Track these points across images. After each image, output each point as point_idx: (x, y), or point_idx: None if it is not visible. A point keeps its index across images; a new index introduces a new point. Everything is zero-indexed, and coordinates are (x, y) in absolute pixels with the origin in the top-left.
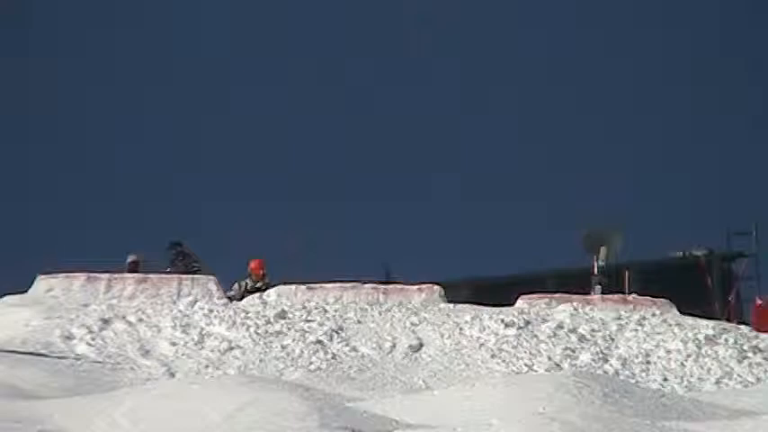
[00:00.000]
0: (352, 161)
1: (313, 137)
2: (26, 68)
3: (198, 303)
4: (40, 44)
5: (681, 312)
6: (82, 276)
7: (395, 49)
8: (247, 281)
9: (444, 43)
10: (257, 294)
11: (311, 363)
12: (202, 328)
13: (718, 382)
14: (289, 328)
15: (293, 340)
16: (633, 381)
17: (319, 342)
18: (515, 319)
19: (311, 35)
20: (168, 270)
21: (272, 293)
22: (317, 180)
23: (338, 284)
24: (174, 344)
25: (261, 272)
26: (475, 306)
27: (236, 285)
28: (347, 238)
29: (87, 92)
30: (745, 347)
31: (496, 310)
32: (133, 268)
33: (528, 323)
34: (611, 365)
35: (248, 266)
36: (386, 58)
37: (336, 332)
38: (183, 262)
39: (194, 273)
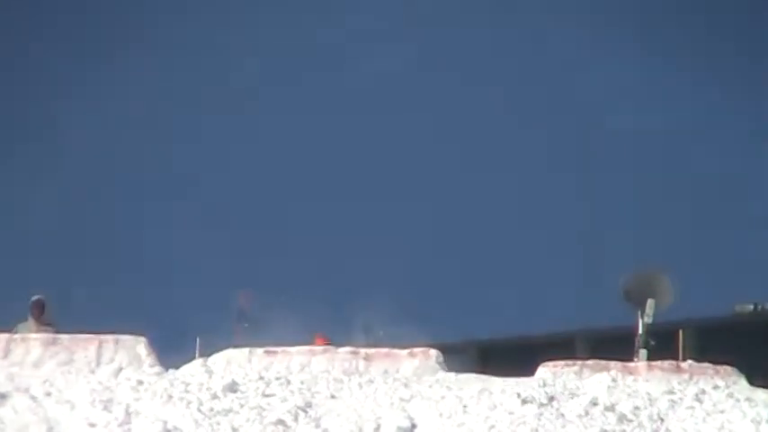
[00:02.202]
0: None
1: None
2: None
3: (123, 372)
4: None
5: (751, 384)
6: None
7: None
8: None
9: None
10: (200, 361)
11: None
12: (129, 405)
13: None
14: (242, 405)
15: (247, 420)
16: None
17: (281, 422)
18: (536, 394)
19: None
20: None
21: (219, 359)
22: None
23: (305, 348)
24: (92, 425)
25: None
26: (483, 376)
27: None
28: (318, 289)
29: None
30: None
31: (511, 381)
32: (39, 310)
33: (552, 399)
34: None
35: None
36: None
37: (303, 410)
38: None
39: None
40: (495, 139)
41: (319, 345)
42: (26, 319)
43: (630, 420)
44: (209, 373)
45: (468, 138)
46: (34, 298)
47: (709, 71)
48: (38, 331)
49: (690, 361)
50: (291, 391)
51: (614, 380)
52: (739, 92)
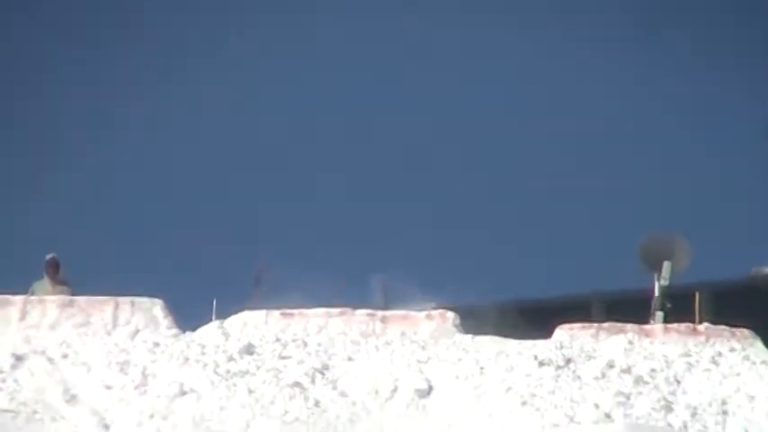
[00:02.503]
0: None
1: None
2: None
3: (140, 334)
4: None
5: (767, 347)
6: None
7: None
8: None
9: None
10: (217, 323)
11: (287, 412)
12: (145, 367)
13: None
14: (258, 367)
15: (264, 382)
16: None
17: (298, 385)
18: (552, 356)
19: None
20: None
21: (236, 321)
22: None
23: (322, 310)
24: (108, 387)
25: None
26: (500, 338)
27: None
28: (334, 251)
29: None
30: None
31: (528, 343)
32: (54, 269)
33: (569, 361)
34: (676, 416)
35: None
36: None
37: (320, 372)
38: None
39: None
40: (511, 108)
41: None
42: (41, 278)
43: (647, 382)
44: (226, 335)
45: (486, 101)
46: (48, 256)
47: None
48: (53, 290)
49: (706, 323)
50: (308, 353)
51: (631, 342)
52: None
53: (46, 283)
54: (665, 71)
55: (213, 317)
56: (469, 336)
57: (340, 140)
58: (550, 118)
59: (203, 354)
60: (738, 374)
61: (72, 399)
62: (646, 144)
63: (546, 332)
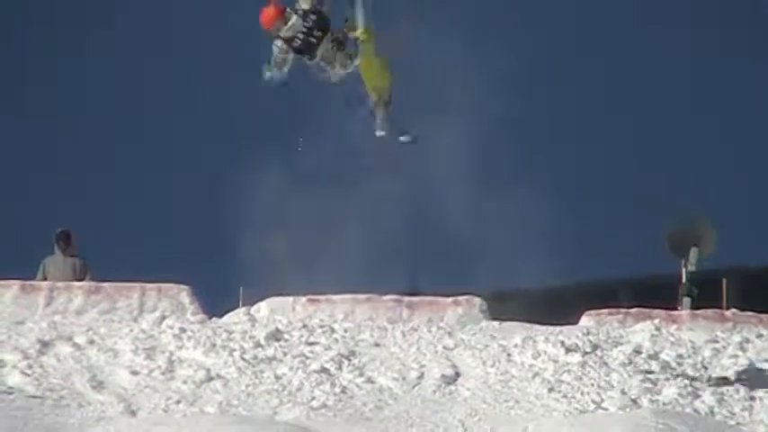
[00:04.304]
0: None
1: None
2: None
3: (166, 321)
4: None
5: None
6: (14, 285)
7: None
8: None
9: None
10: (243, 309)
11: (313, 398)
12: (172, 353)
13: None
14: (285, 354)
15: (290, 369)
16: (733, 422)
17: (324, 371)
18: (579, 342)
19: None
20: None
21: (262, 308)
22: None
23: (349, 296)
24: (135, 373)
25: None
26: (527, 324)
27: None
28: (361, 237)
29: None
30: None
31: (555, 329)
32: (65, 242)
33: (596, 347)
34: (703, 402)
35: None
36: None
37: (347, 358)
38: None
39: None
40: (535, 97)
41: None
42: (52, 253)
43: (674, 369)
44: (252, 321)
45: (497, 92)
46: (59, 230)
47: None
48: (65, 264)
49: (733, 310)
50: (335, 339)
51: (658, 328)
52: None
53: (58, 257)
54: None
55: (240, 303)
56: (496, 322)
57: None
58: (559, 90)
59: (230, 340)
60: (766, 360)
61: (98, 385)
62: (675, 129)
63: (573, 318)
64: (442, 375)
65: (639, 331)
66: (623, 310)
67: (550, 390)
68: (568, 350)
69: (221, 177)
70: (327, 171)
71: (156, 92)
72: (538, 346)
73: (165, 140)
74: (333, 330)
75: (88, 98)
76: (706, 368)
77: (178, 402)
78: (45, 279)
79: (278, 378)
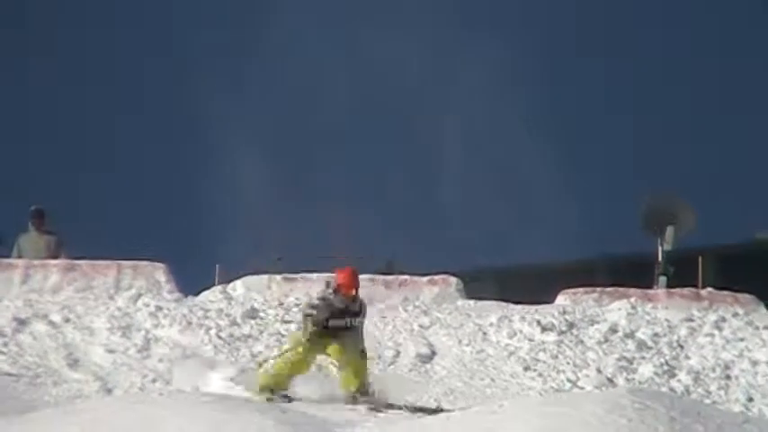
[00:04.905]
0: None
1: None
2: None
3: (142, 299)
4: None
5: None
6: None
7: None
8: (331, 297)
9: None
10: (219, 287)
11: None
12: (148, 331)
13: None
14: (261, 332)
15: (267, 347)
16: (708, 401)
17: None
18: (555, 321)
19: None
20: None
21: (238, 286)
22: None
23: (324, 275)
24: (111, 351)
25: (353, 290)
26: (503, 303)
27: (315, 300)
28: (340, 217)
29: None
30: None
31: (531, 308)
32: (38, 220)
33: (572, 326)
34: (679, 381)
35: (335, 280)
36: None
37: None
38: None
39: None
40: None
41: (345, 280)
42: (27, 230)
43: (650, 347)
44: (228, 299)
45: (462, 76)
46: (33, 208)
47: None
48: (39, 240)
49: (709, 288)
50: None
51: (634, 307)
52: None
53: (32, 234)
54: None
55: (216, 281)
56: (472, 301)
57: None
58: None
59: (206, 318)
60: (742, 339)
61: (74, 363)
62: (651, 107)
63: (549, 297)
64: (418, 354)
65: (615, 310)
66: (599, 289)
67: (526, 368)
68: (544, 329)
69: (196, 153)
70: (302, 150)
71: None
72: (514, 325)
73: (136, 111)
74: None
75: (60, 67)
76: (682, 347)
77: (154, 381)
78: (20, 257)
79: (254, 356)
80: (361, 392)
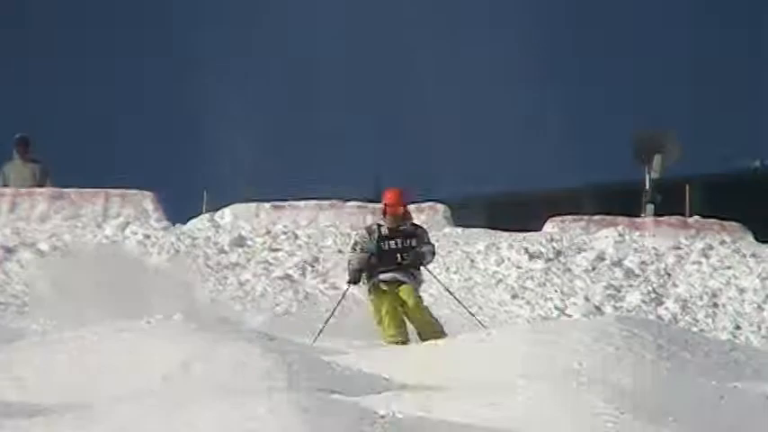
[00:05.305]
0: (354, 50)
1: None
2: None
3: (130, 227)
4: None
5: (758, 240)
6: None
7: None
8: (380, 224)
9: None
10: (207, 215)
11: (277, 304)
12: (136, 259)
13: None
14: (248, 260)
15: (254, 275)
16: (696, 329)
17: (288, 277)
18: (543, 249)
19: None
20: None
21: (226, 214)
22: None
23: (313, 202)
24: (99, 279)
25: (400, 208)
26: (491, 231)
27: (362, 231)
28: (326, 145)
29: None
30: None
31: (519, 236)
32: (23, 148)
33: (559, 254)
34: (666, 309)
35: (382, 200)
36: None
37: (310, 265)
38: None
39: None
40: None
41: (392, 199)
42: (11, 159)
43: (637, 275)
44: (216, 227)
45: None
46: (17, 136)
47: None
48: (24, 168)
49: (697, 217)
50: (299, 246)
51: (621, 235)
52: None
53: (17, 162)
54: None
55: (204, 209)
56: (460, 228)
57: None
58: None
59: (194, 246)
60: (729, 267)
61: (62, 291)
62: (642, 34)
63: (537, 225)
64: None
65: (603, 238)
66: (586, 217)
67: (514, 296)
68: (532, 257)
69: (185, 79)
70: (293, 78)
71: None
72: (501, 253)
73: (133, 46)
74: (296, 237)
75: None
76: (669, 275)
77: (141, 308)
78: (6, 186)
79: (241, 284)
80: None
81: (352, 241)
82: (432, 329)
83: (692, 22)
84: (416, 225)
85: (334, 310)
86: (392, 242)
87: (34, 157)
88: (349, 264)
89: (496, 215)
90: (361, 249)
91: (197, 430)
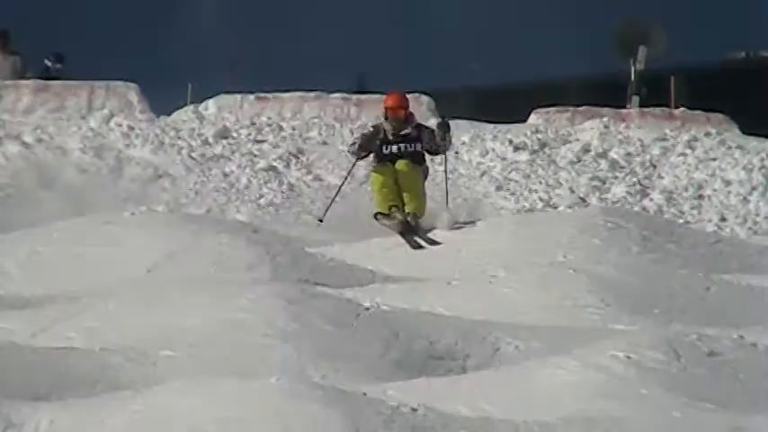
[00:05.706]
0: None
1: None
2: None
3: (114, 119)
4: None
5: (743, 132)
6: None
7: None
8: (384, 124)
9: None
10: (191, 107)
11: (261, 196)
12: (120, 151)
13: None
14: (233, 152)
15: (239, 167)
16: (681, 221)
17: (272, 168)
18: (527, 140)
19: None
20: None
21: (210, 105)
22: None
23: (297, 94)
24: (83, 171)
25: (401, 111)
26: (475, 122)
27: (369, 127)
28: (310, 36)
29: None
30: None
31: (503, 127)
32: (2, 40)
33: (544, 145)
34: (652, 200)
35: (383, 103)
36: None
37: (295, 156)
38: None
39: None
40: None
41: (393, 102)
42: None
43: (622, 167)
44: (201, 119)
45: None
46: None
47: None
48: (4, 61)
49: (682, 108)
50: (283, 137)
51: (606, 126)
52: None
53: None
54: None
55: (188, 101)
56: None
57: None
58: None
59: (178, 138)
60: (714, 159)
61: (47, 183)
62: None
63: (521, 116)
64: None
65: (588, 129)
66: (571, 108)
67: (498, 188)
68: (516, 148)
69: None
70: None
71: None
72: (486, 144)
73: None
74: (281, 128)
75: None
76: (655, 166)
77: (126, 200)
78: None
79: (226, 176)
80: (417, 216)
81: (357, 134)
82: (416, 196)
83: None
84: (422, 127)
85: (341, 186)
86: (393, 147)
87: (14, 50)
88: (352, 144)
89: (481, 106)
90: (360, 146)
91: (180, 322)
